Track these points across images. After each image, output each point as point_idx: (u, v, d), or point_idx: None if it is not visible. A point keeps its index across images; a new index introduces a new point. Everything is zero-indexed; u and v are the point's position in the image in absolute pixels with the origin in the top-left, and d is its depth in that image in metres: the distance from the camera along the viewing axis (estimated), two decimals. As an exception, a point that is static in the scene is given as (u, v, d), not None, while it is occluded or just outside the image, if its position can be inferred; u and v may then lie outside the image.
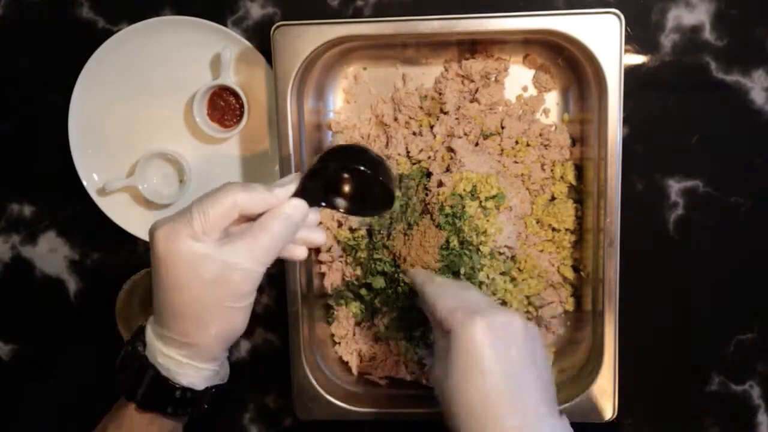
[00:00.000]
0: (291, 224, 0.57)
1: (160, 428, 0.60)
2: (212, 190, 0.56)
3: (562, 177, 0.80)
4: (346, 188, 0.59)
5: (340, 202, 0.60)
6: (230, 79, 0.81)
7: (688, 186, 0.81)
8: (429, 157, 0.80)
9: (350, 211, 0.61)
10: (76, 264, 0.88)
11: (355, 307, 0.82)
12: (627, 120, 0.77)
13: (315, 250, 0.81)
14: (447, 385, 0.53)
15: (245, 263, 0.55)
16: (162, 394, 0.58)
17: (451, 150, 0.77)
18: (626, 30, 0.71)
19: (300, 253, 0.61)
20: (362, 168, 0.59)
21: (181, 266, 0.54)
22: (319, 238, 0.62)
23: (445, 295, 0.58)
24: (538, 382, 0.53)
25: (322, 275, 0.82)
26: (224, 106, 0.81)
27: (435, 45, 0.80)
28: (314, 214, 0.60)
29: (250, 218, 0.57)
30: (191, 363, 0.57)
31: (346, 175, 0.59)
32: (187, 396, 0.58)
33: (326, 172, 0.59)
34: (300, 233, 0.60)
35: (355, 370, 0.82)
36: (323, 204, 0.59)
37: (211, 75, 0.82)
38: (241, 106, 0.80)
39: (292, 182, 0.58)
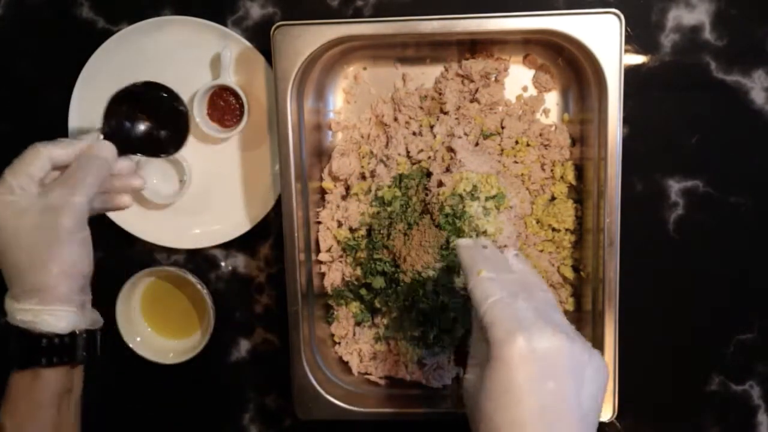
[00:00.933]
0: (100, 160, 0.63)
1: (46, 383, 0.60)
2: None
3: (562, 177, 0.80)
4: (144, 114, 0.70)
5: (138, 134, 0.70)
6: (230, 79, 0.81)
7: (688, 186, 0.81)
8: (429, 157, 0.80)
9: (149, 150, 0.71)
10: (76, 264, 0.88)
11: (355, 307, 0.82)
12: (627, 120, 0.77)
13: (315, 250, 0.81)
14: (477, 397, 0.50)
15: (62, 199, 0.60)
16: (30, 348, 0.59)
17: (451, 150, 0.77)
18: (626, 30, 0.71)
19: (124, 201, 0.69)
20: (159, 93, 0.72)
21: (7, 224, 0.59)
22: (137, 182, 0.69)
23: (491, 293, 0.52)
24: (578, 422, 0.48)
25: (322, 275, 0.82)
26: (224, 106, 0.81)
27: (435, 45, 0.80)
28: (125, 162, 0.67)
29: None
30: (44, 308, 0.59)
31: (143, 102, 0.69)
32: (56, 342, 0.60)
33: (124, 109, 0.69)
34: (119, 181, 0.67)
35: (355, 370, 0.82)
36: (128, 147, 0.67)
37: (211, 75, 0.82)
38: (241, 106, 0.80)
39: (94, 132, 0.66)
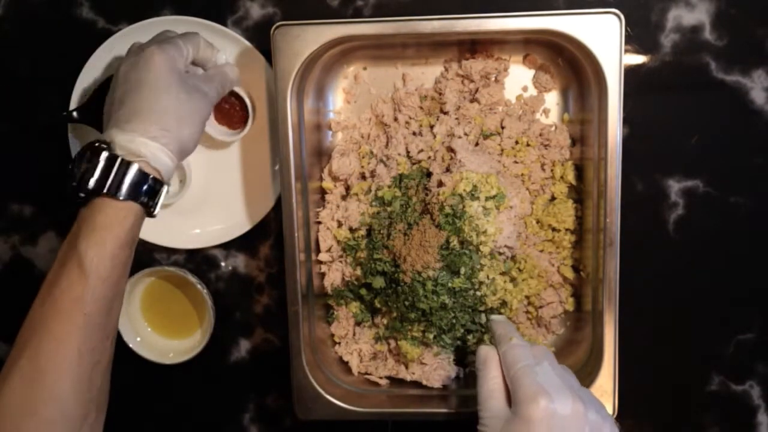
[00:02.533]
0: (231, 82, 0.75)
1: (133, 225, 0.63)
2: (181, 33, 0.72)
3: (562, 177, 0.80)
4: None
5: None
6: None
7: (688, 186, 0.81)
8: (429, 157, 0.80)
9: None
10: (76, 264, 0.88)
11: (355, 307, 0.82)
12: (627, 120, 0.77)
13: (315, 250, 0.81)
14: None
15: (208, 91, 0.70)
16: (136, 182, 0.63)
17: (451, 150, 0.77)
18: (626, 30, 0.71)
19: None
20: None
21: (174, 77, 0.66)
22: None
23: (520, 359, 0.61)
24: None
25: (322, 275, 0.82)
26: (229, 109, 0.81)
27: (435, 45, 0.80)
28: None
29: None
30: (165, 149, 0.64)
31: None
32: (155, 187, 0.64)
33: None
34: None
35: (355, 370, 0.82)
36: None
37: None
38: (245, 108, 0.80)
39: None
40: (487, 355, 0.63)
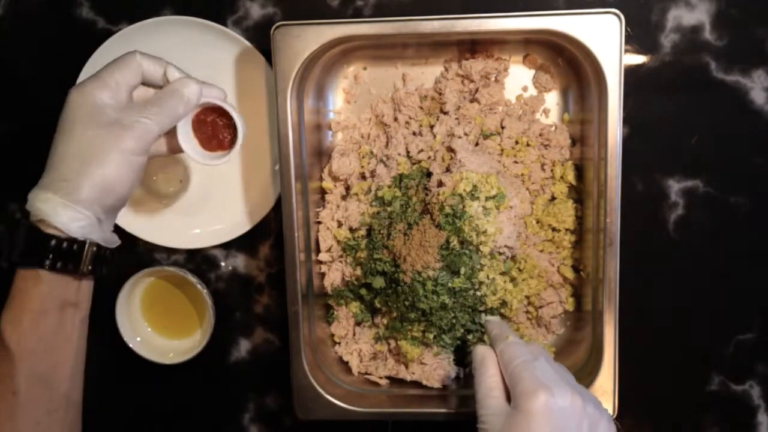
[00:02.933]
0: (183, 98, 0.63)
1: (49, 288, 0.59)
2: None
3: (562, 177, 0.80)
4: None
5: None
6: (211, 93, 0.67)
7: (688, 186, 0.81)
8: (429, 157, 0.80)
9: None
10: (76, 264, 0.88)
11: (355, 307, 0.82)
12: (627, 120, 0.77)
13: (315, 250, 0.81)
14: None
15: (134, 119, 0.60)
16: (37, 245, 0.58)
17: (451, 150, 0.77)
18: (626, 30, 0.71)
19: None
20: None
21: (82, 111, 0.59)
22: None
23: (518, 355, 0.61)
24: None
25: (322, 275, 0.82)
26: (210, 128, 0.68)
27: (435, 45, 0.80)
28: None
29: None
30: (64, 202, 0.57)
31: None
32: (63, 246, 0.58)
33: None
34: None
35: (355, 370, 0.82)
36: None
37: (211, 75, 0.82)
38: (232, 126, 0.68)
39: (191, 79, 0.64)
40: (484, 354, 0.64)
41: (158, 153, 0.66)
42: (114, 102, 0.60)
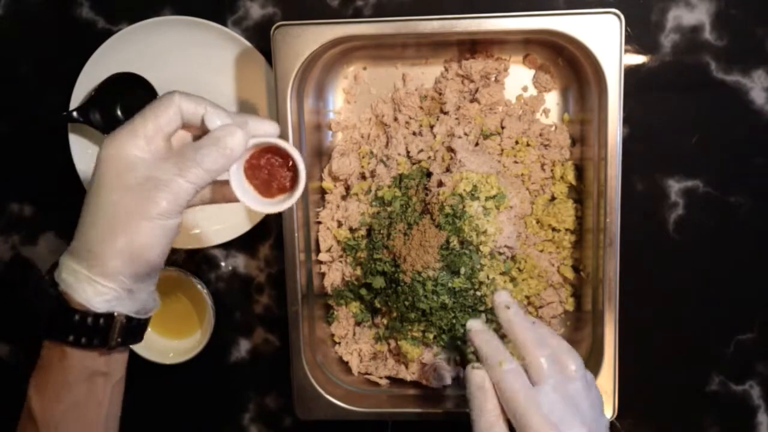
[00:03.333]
0: (226, 150, 0.54)
1: (76, 362, 0.55)
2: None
3: (562, 177, 0.80)
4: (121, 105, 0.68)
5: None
6: (266, 130, 0.58)
7: (688, 186, 0.81)
8: (429, 157, 0.80)
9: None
10: (76, 264, 0.88)
11: (355, 307, 0.82)
12: (627, 120, 0.77)
13: (315, 250, 0.81)
14: None
15: (169, 175, 0.53)
16: (62, 318, 0.54)
17: (451, 150, 0.77)
18: (626, 30, 0.71)
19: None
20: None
21: (110, 169, 0.53)
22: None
23: (517, 387, 0.55)
24: None
25: (322, 275, 0.82)
26: (268, 172, 0.59)
27: (435, 45, 0.80)
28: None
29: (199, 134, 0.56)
30: (90, 276, 0.53)
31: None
32: (88, 322, 0.54)
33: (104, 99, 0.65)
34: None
35: (355, 370, 0.82)
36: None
37: (210, 75, 0.82)
38: (292, 167, 0.59)
39: (245, 122, 0.56)
40: (480, 383, 0.57)
41: (204, 202, 0.59)
42: (147, 155, 0.53)
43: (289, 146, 0.57)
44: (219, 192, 0.59)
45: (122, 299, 0.54)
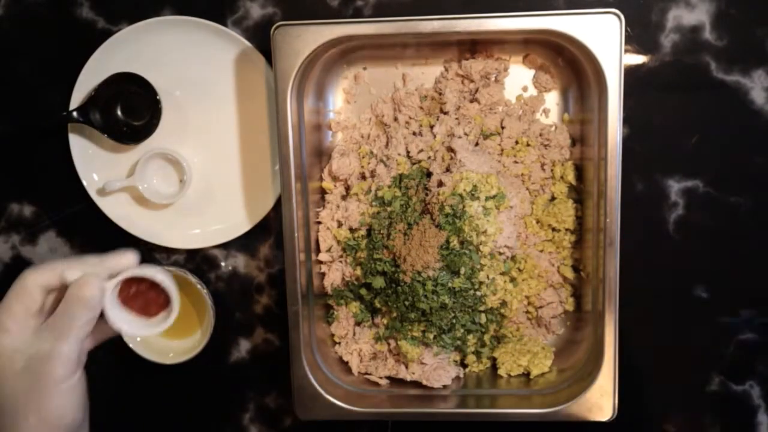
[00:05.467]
0: (84, 302, 0.55)
1: None
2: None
3: (562, 177, 0.80)
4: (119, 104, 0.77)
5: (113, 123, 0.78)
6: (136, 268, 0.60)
7: (688, 186, 0.81)
8: (429, 157, 0.80)
9: (123, 137, 0.80)
10: (76, 264, 0.88)
11: (355, 307, 0.82)
12: (627, 120, 0.77)
13: (315, 250, 0.81)
14: None
15: (50, 345, 0.55)
16: None
17: (451, 150, 0.77)
18: (626, 30, 0.71)
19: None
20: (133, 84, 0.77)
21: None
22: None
23: None
24: None
25: (322, 275, 0.82)
26: (140, 297, 0.61)
27: (435, 45, 0.80)
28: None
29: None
30: None
31: None
32: None
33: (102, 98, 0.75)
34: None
35: (355, 370, 0.82)
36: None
37: (210, 75, 0.82)
38: (162, 291, 0.61)
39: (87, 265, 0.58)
40: None
41: (97, 342, 0.62)
42: (21, 337, 0.55)
43: (148, 272, 0.59)
44: (103, 330, 0.60)
45: None
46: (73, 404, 0.56)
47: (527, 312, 0.82)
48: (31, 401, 0.54)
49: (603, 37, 0.71)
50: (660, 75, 0.80)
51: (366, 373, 0.82)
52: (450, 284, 0.74)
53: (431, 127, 0.80)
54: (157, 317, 0.61)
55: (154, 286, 0.61)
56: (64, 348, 0.55)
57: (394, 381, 0.82)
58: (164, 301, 0.61)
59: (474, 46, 0.79)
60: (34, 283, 0.57)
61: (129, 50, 0.81)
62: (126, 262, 0.59)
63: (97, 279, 0.56)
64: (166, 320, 0.61)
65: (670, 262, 0.82)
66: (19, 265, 0.89)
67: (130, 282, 0.60)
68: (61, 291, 0.57)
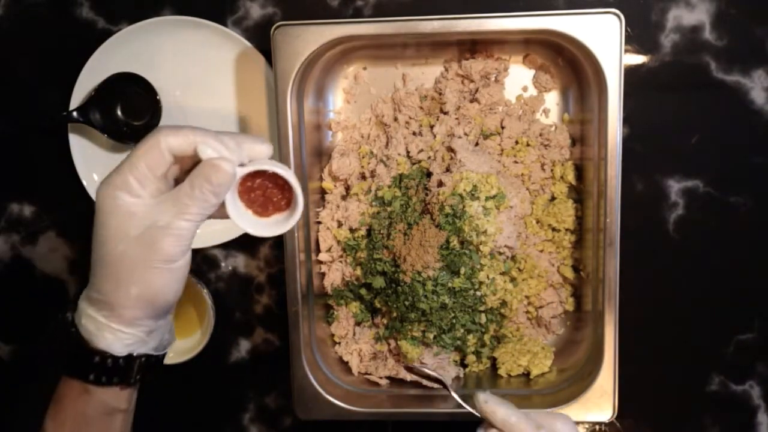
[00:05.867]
0: (218, 193, 0.53)
1: (95, 399, 0.56)
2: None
3: (562, 177, 0.80)
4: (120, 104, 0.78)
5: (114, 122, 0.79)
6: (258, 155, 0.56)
7: (688, 186, 0.81)
8: (429, 157, 0.80)
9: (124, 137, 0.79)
10: (76, 264, 0.88)
11: (355, 307, 0.82)
12: (627, 120, 0.77)
13: (315, 250, 0.81)
14: None
15: (169, 219, 0.52)
16: (82, 359, 0.55)
17: (451, 150, 0.77)
18: (626, 30, 0.71)
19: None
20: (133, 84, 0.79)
21: (109, 220, 0.52)
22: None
23: None
24: None
25: (322, 275, 0.82)
26: (262, 195, 0.58)
27: (435, 45, 0.80)
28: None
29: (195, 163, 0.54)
30: (109, 325, 0.54)
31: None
32: (108, 363, 0.55)
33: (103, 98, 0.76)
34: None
35: (355, 370, 0.82)
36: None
37: (210, 75, 0.82)
38: (285, 187, 0.57)
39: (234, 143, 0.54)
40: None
41: (221, 216, 0.58)
42: (143, 199, 0.53)
43: (283, 170, 0.55)
44: (220, 212, 0.57)
45: (142, 341, 0.56)
46: (174, 285, 0.54)
47: (527, 312, 0.82)
48: (137, 272, 0.53)
49: (603, 37, 0.71)
50: (660, 75, 0.80)
51: (366, 373, 0.82)
52: (450, 284, 0.74)
53: (431, 127, 0.80)
54: (271, 218, 0.57)
55: (277, 184, 0.57)
56: (183, 225, 0.52)
57: (394, 381, 0.82)
58: (282, 203, 0.57)
59: (474, 46, 0.79)
60: (166, 145, 0.52)
61: (129, 50, 0.81)
62: (260, 151, 0.55)
63: (232, 166, 0.53)
64: (279, 225, 0.57)
65: (670, 262, 0.82)
66: (19, 265, 0.89)
67: (255, 174, 0.56)
68: (186, 162, 0.54)
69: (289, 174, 0.55)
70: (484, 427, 0.64)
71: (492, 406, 0.63)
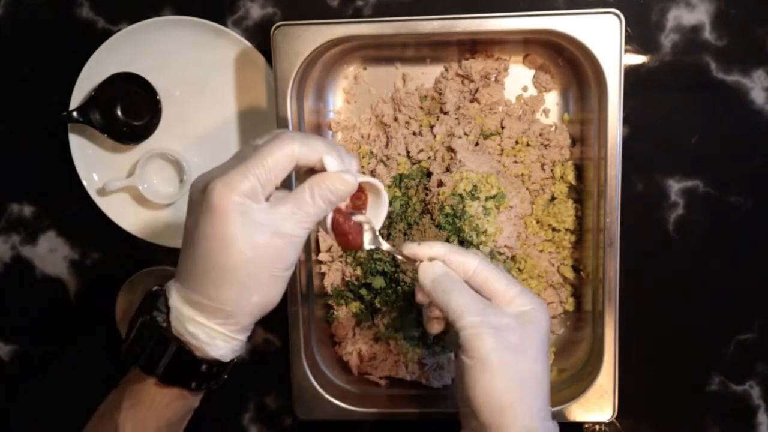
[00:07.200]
0: (338, 197, 0.53)
1: (183, 405, 0.56)
2: (264, 143, 0.52)
3: (562, 177, 0.80)
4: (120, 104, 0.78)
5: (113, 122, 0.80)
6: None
7: (688, 186, 0.81)
8: (429, 157, 0.80)
9: (124, 137, 0.79)
10: (76, 264, 0.88)
11: (355, 307, 0.82)
12: (627, 120, 0.77)
13: (315, 250, 0.81)
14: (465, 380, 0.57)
15: (294, 227, 0.52)
16: (186, 367, 0.54)
17: (451, 150, 0.77)
18: (626, 30, 0.71)
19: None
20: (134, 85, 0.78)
21: (234, 228, 0.50)
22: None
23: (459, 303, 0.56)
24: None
25: (322, 275, 0.82)
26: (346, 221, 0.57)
27: (435, 45, 0.80)
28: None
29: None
30: (225, 333, 0.53)
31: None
32: (213, 370, 0.55)
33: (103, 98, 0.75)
34: None
35: (355, 370, 0.82)
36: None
37: (210, 75, 0.82)
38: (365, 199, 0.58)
39: (351, 162, 0.55)
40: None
41: None
42: (263, 207, 0.51)
43: (375, 181, 0.57)
44: None
45: (243, 347, 0.56)
46: (283, 291, 0.54)
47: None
48: (260, 281, 0.52)
49: (603, 37, 0.71)
50: (660, 75, 0.80)
51: (366, 373, 0.82)
52: (450, 284, 0.74)
53: (431, 127, 0.80)
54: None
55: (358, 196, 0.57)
56: (303, 234, 0.52)
57: (394, 381, 0.82)
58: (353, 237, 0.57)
59: (474, 46, 0.79)
60: (292, 152, 0.51)
61: (129, 50, 0.81)
62: (354, 165, 0.56)
63: (355, 179, 0.53)
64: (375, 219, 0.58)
65: (670, 262, 0.82)
66: (19, 265, 0.89)
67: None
68: (302, 169, 0.54)
69: (376, 182, 0.57)
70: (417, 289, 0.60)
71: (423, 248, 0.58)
